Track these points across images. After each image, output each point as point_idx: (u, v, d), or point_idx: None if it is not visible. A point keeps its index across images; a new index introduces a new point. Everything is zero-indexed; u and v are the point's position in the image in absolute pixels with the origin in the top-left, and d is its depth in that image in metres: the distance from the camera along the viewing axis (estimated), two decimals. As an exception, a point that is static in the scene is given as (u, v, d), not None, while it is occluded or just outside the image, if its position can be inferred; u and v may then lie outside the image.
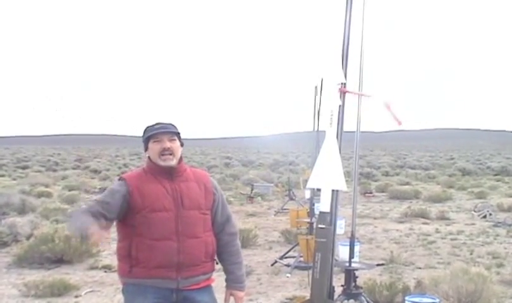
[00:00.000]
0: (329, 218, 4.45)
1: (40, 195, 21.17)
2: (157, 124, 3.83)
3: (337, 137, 4.57)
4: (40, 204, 17.25)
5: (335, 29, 4.74)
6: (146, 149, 3.84)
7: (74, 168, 47.35)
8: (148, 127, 3.86)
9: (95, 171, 41.82)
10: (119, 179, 3.85)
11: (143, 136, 3.85)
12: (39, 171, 41.21)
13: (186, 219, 3.70)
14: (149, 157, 3.83)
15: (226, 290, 3.97)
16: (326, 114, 4.52)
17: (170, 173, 3.77)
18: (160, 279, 3.64)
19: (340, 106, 4.62)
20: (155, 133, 3.77)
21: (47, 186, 25.37)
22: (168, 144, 3.74)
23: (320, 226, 4.40)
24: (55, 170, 44.21)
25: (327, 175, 4.40)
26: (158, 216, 3.64)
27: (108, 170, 42.58)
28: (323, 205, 4.44)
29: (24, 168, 46.79)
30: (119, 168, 46.31)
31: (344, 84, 4.66)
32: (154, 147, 3.76)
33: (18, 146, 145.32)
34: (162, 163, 3.74)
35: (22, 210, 16.24)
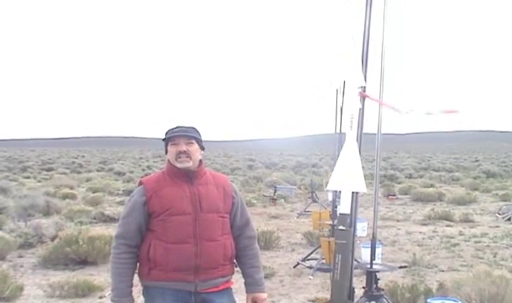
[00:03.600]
0: (349, 219, 4.46)
1: (65, 197, 21.43)
2: (177, 127, 3.88)
3: (357, 139, 4.59)
4: (65, 206, 17.47)
5: (355, 31, 4.75)
6: (166, 151, 3.88)
7: (98, 170, 47.75)
8: (169, 130, 3.88)
9: (119, 173, 42.12)
10: (139, 183, 3.89)
11: (164, 138, 3.88)
12: (64, 173, 41.66)
13: (204, 222, 3.72)
14: (168, 160, 3.87)
15: (247, 294, 3.98)
16: (346, 117, 4.55)
17: (189, 176, 3.79)
18: (178, 282, 3.66)
19: (360, 109, 4.64)
20: (172, 136, 3.81)
21: (71, 188, 25.67)
22: (184, 147, 3.77)
23: (340, 228, 4.42)
24: (79, 172, 44.60)
25: (347, 177, 4.42)
26: (176, 219, 3.67)
27: (132, 172, 42.84)
28: (343, 207, 4.46)
29: (49, 170, 47.33)
30: (143, 170, 46.57)
31: (364, 87, 4.68)
32: (171, 149, 3.80)
33: (42, 149, 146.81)
34: (178, 165, 3.77)
35: (47, 212, 16.45)
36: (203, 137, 3.94)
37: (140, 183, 3.86)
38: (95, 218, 15.47)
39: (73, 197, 21.85)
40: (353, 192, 4.50)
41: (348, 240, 4.40)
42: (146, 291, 3.79)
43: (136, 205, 3.74)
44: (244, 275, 3.99)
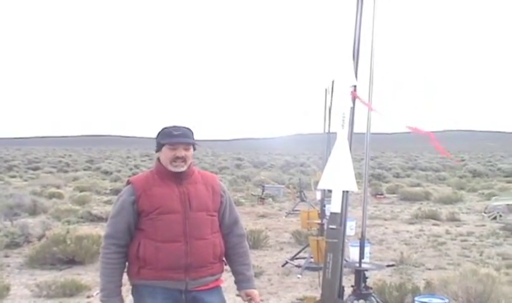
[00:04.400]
0: (340, 218, 4.48)
1: (51, 196, 21.32)
2: (174, 127, 3.82)
3: (348, 138, 4.61)
4: (52, 205, 17.37)
5: (346, 31, 4.77)
6: (158, 150, 3.84)
7: (85, 170, 47.58)
8: (165, 128, 3.84)
9: (106, 172, 41.98)
10: (127, 183, 3.86)
11: (157, 137, 3.83)
12: (50, 172, 41.46)
13: (193, 221, 3.72)
14: (159, 158, 3.85)
15: (240, 291, 3.99)
16: (338, 116, 4.56)
17: (179, 177, 3.78)
18: (168, 280, 3.66)
19: (351, 108, 4.66)
20: (173, 142, 3.77)
21: (58, 187, 25.56)
22: (183, 153, 3.75)
23: (331, 226, 4.43)
24: (66, 172, 44.39)
25: (338, 176, 4.43)
26: (166, 218, 3.67)
27: (119, 171, 42.73)
28: (334, 206, 4.48)
29: (35, 169, 47.07)
30: (130, 169, 46.45)
31: (355, 87, 4.70)
32: (168, 153, 3.76)
33: (28, 147, 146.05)
34: (172, 169, 3.76)
35: (33, 211, 16.37)
36: None
37: (128, 182, 3.85)
38: (82, 218, 15.40)
39: (60, 196, 21.73)
40: (343, 191, 4.52)
41: (339, 238, 4.42)
42: (135, 290, 3.78)
43: (124, 204, 3.73)
44: (235, 273, 4.00)
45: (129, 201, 3.71)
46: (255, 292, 3.99)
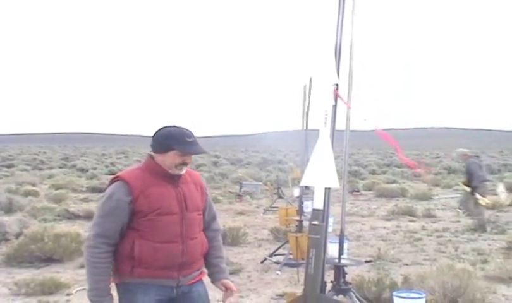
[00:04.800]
0: (322, 215, 4.55)
1: (27, 194, 21.08)
2: (184, 131, 3.74)
3: (330, 136, 4.68)
4: (28, 203, 17.23)
5: (328, 29, 4.83)
6: (160, 152, 3.72)
7: (60, 167, 47.20)
8: (172, 130, 3.74)
9: (82, 170, 41.71)
10: (115, 179, 3.73)
11: (163, 138, 3.72)
12: (25, 170, 41.05)
13: (188, 222, 3.74)
14: (152, 157, 3.76)
15: (216, 282, 4.03)
16: (320, 114, 4.62)
17: (174, 177, 3.75)
18: (163, 279, 3.68)
19: (333, 106, 4.74)
20: (189, 151, 3.72)
21: (33, 185, 25.32)
22: (190, 160, 3.73)
23: (313, 223, 4.50)
24: (41, 169, 44.03)
25: (321, 173, 4.50)
26: (165, 219, 3.65)
27: (95, 168, 42.48)
28: (317, 202, 4.55)
29: (9, 166, 46.50)
30: (106, 166, 46.22)
31: (337, 85, 4.77)
32: (176, 158, 3.69)
33: (2, 145, 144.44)
34: (173, 172, 3.71)
35: (9, 209, 16.26)
36: None
37: (118, 179, 3.71)
38: (59, 216, 15.31)
39: (36, 194, 21.51)
40: (326, 188, 4.59)
41: (321, 234, 4.49)
42: (125, 288, 3.73)
43: (120, 204, 3.61)
44: (210, 265, 4.02)
45: (126, 201, 3.60)
46: (230, 282, 4.04)
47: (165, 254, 3.64)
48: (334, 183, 4.57)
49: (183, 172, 3.76)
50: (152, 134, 3.80)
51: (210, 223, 4.03)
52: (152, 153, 3.78)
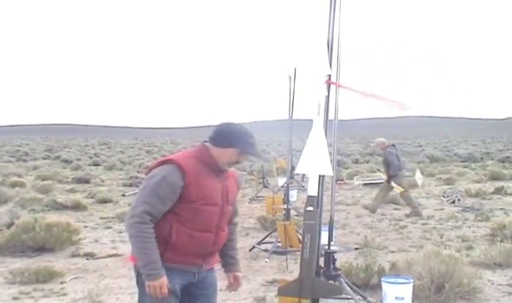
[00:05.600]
0: (316, 201, 4.71)
1: (14, 185, 21.10)
2: (249, 134, 3.86)
3: (323, 125, 4.84)
4: (15, 195, 17.28)
5: (317, 19, 4.98)
6: (221, 146, 3.79)
7: (44, 158, 47.03)
8: (239, 130, 3.84)
9: (66, 161, 41.59)
10: (172, 163, 3.72)
11: (228, 135, 3.80)
12: (9, 161, 40.85)
13: (225, 214, 3.90)
14: (208, 148, 3.83)
15: (228, 273, 4.22)
16: (314, 104, 4.77)
17: (222, 172, 3.85)
18: (190, 265, 3.81)
19: (326, 96, 4.89)
20: (255, 154, 3.88)
21: (19, 176, 25.30)
22: (244, 160, 3.87)
23: (308, 209, 4.66)
24: (25, 161, 43.81)
25: (315, 161, 4.66)
26: (207, 209, 3.74)
27: (79, 159, 42.40)
28: (311, 189, 4.70)
29: (-7, 158, 46.29)
30: (90, 157, 46.20)
31: (330, 76, 4.93)
32: (234, 157, 3.81)
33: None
34: (224, 167, 3.82)
35: (-3, 201, 16.28)
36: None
37: (172, 162, 3.73)
38: (47, 206, 15.37)
39: (22, 185, 21.51)
40: (320, 176, 4.75)
41: (316, 220, 4.65)
42: None
43: (173, 188, 3.65)
44: (226, 256, 4.19)
45: (179, 185, 3.65)
46: (240, 275, 4.25)
47: (199, 243, 3.76)
48: (328, 170, 4.73)
49: (231, 168, 3.91)
50: (216, 127, 3.88)
51: (233, 217, 4.18)
52: (207, 144, 3.85)
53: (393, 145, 15.59)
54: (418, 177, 17.93)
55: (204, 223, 3.76)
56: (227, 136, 3.79)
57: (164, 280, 3.61)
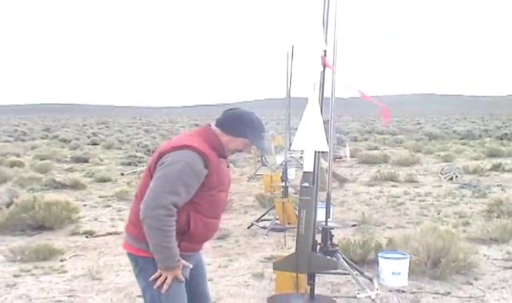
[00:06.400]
0: (312, 177, 4.75)
1: (12, 165, 21.10)
2: (259, 121, 3.82)
3: (318, 101, 4.87)
4: (14, 174, 17.30)
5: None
6: (232, 134, 3.71)
7: (42, 138, 47.01)
8: (254, 121, 3.77)
9: (65, 140, 41.55)
10: (194, 150, 3.51)
11: (242, 124, 3.71)
12: (7, 141, 40.81)
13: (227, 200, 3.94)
14: (216, 134, 3.71)
15: None
16: (308, 80, 4.79)
17: (225, 157, 3.77)
18: (196, 251, 3.80)
19: (321, 72, 4.92)
20: (259, 145, 3.86)
21: (18, 156, 25.30)
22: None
23: (304, 185, 4.69)
24: (23, 140, 43.75)
25: (311, 137, 4.69)
26: (221, 196, 3.70)
27: (77, 139, 42.34)
28: (307, 165, 4.74)
29: (-9, 138, 46.27)
30: (88, 137, 46.09)
31: (325, 51, 4.95)
32: (240, 146, 3.77)
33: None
34: (227, 154, 3.77)
35: (-4, 180, 16.31)
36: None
37: (192, 149, 3.52)
38: (46, 185, 15.41)
39: (21, 165, 21.50)
40: (315, 152, 4.79)
41: (312, 196, 4.69)
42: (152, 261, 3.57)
43: (199, 176, 3.51)
44: None
45: (204, 174, 3.52)
46: None
47: (211, 229, 3.72)
48: (324, 146, 4.77)
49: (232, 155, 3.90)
50: (227, 113, 3.79)
51: None
52: (215, 129, 3.74)
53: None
54: (347, 152, 18.50)
55: (217, 210, 3.71)
56: (241, 125, 3.71)
57: (180, 269, 3.57)
